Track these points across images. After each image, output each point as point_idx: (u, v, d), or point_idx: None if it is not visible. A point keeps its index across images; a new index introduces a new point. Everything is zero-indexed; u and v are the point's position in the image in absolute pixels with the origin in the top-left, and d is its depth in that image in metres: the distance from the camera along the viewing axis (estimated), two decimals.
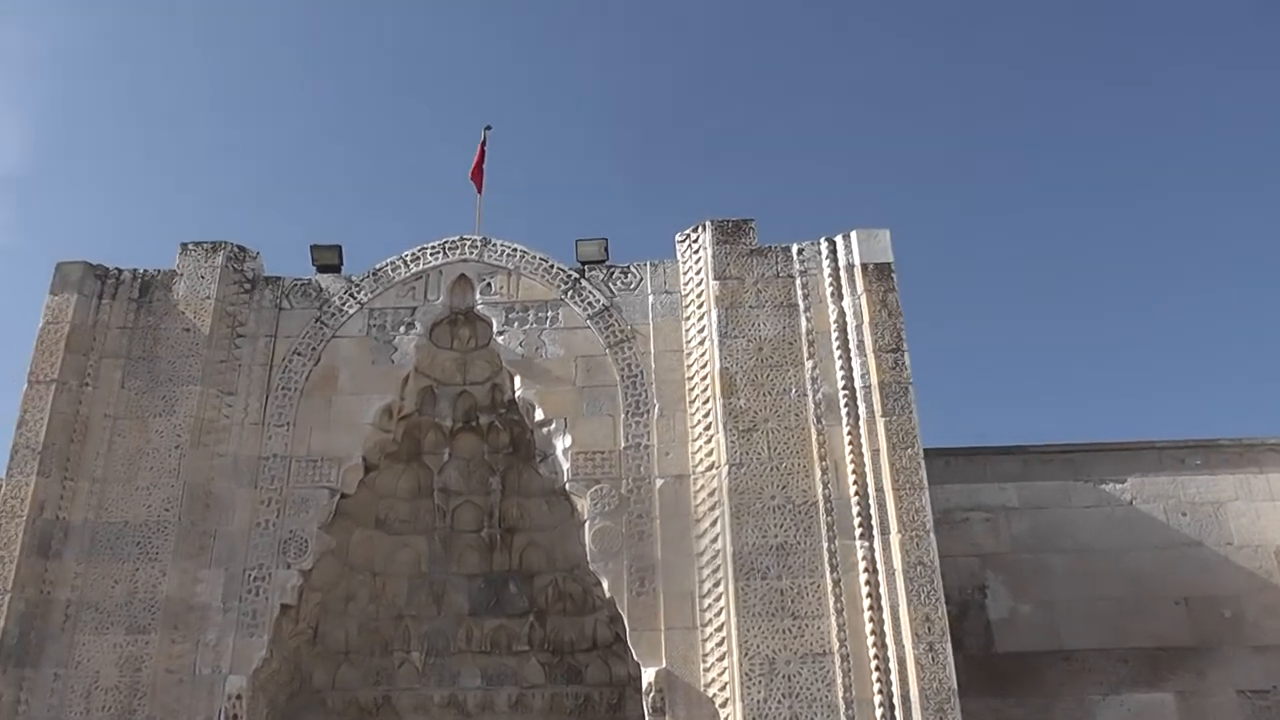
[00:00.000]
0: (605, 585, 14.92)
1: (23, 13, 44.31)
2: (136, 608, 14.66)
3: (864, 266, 15.89)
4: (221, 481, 15.60)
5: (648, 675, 14.15)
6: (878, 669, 13.66)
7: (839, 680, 13.65)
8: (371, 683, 16.79)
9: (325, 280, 17.14)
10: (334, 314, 16.77)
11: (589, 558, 15.11)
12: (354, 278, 17.11)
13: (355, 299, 16.88)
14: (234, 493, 15.57)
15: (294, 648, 15.97)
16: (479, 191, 18.57)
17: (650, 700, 14.07)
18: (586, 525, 15.23)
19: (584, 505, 15.35)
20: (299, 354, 16.52)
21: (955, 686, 13.36)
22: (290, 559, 15.25)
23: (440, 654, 16.89)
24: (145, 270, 17.03)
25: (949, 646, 13.56)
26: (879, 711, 13.45)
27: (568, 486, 15.61)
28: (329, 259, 17.28)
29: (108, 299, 16.66)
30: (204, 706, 14.36)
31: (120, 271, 16.96)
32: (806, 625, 13.99)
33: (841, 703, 13.54)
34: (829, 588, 14.14)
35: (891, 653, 13.67)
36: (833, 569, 14.24)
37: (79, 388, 15.93)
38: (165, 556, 14.92)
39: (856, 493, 14.58)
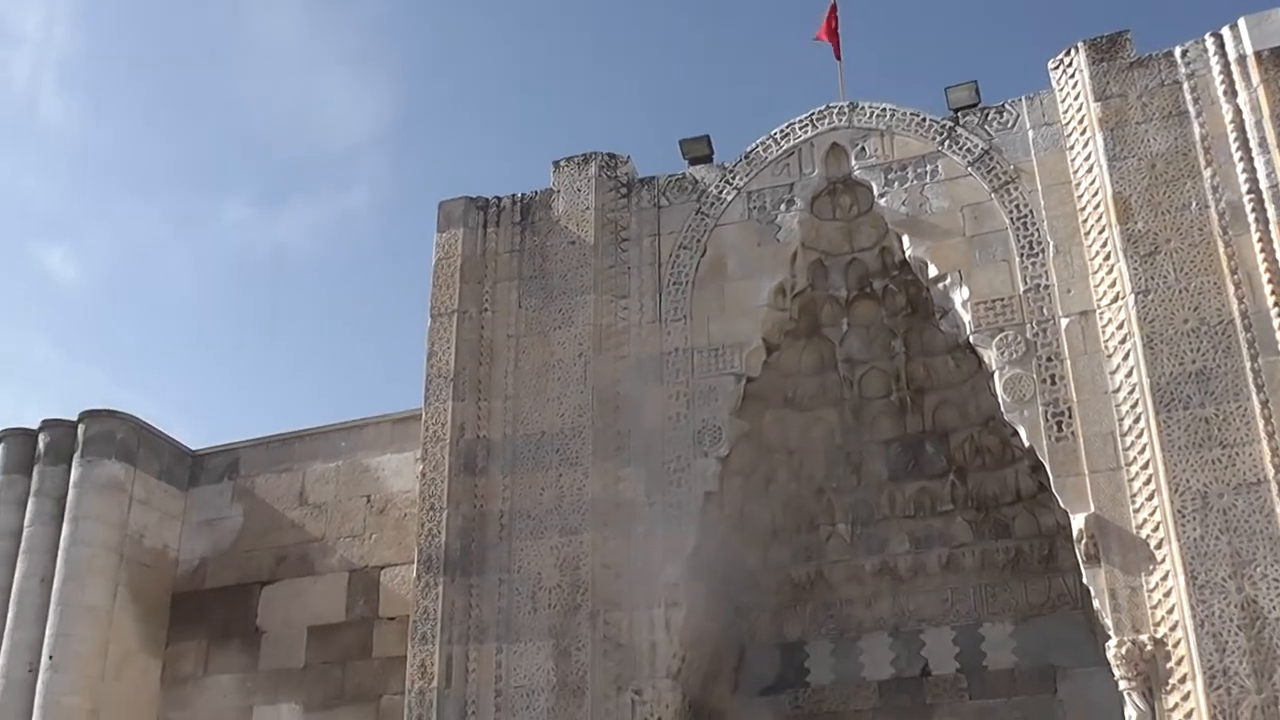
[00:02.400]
0: (1023, 434, 14.45)
1: None
2: (566, 510, 15.40)
3: (1257, 55, 14.35)
4: (628, 382, 16.08)
5: (1077, 522, 13.64)
6: None
7: (1278, 510, 12.64)
8: (802, 559, 17.10)
9: (699, 172, 17.21)
10: (713, 203, 16.83)
11: (1002, 408, 14.67)
12: (726, 165, 17.11)
13: (731, 185, 16.86)
14: (641, 391, 16.00)
15: (722, 532, 16.31)
16: (837, 57, 18.14)
17: (1083, 547, 13.54)
18: (995, 375, 14.76)
19: (990, 356, 14.87)
20: (684, 248, 16.70)
21: None
22: (706, 448, 15.52)
23: (866, 523, 17.00)
24: (522, 194, 17.60)
25: None
26: None
27: (971, 339, 15.17)
28: (699, 150, 17.31)
29: (491, 227, 17.42)
30: (643, 596, 14.94)
31: (499, 199, 17.64)
32: (1237, 453, 13.02)
33: None
34: (1256, 410, 13.06)
35: None
36: (1258, 389, 13.13)
37: (479, 314, 16.83)
38: (585, 460, 15.58)
39: (1276, 304, 13.33)
